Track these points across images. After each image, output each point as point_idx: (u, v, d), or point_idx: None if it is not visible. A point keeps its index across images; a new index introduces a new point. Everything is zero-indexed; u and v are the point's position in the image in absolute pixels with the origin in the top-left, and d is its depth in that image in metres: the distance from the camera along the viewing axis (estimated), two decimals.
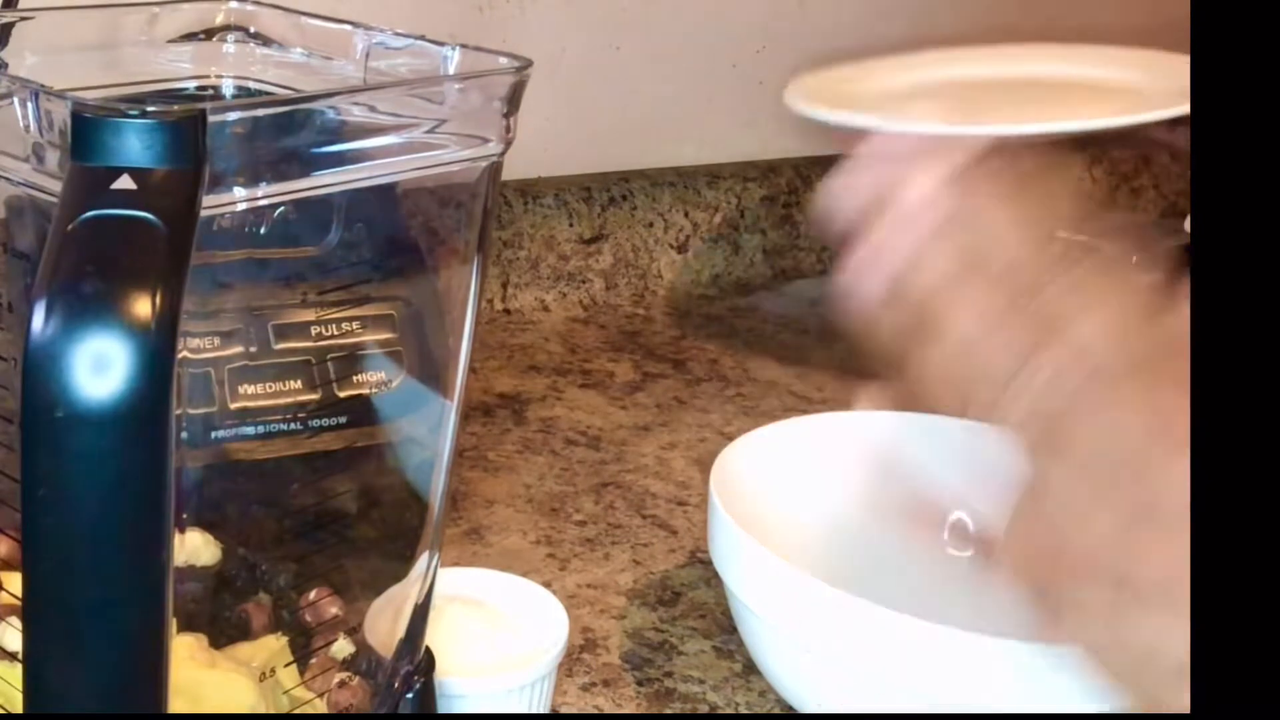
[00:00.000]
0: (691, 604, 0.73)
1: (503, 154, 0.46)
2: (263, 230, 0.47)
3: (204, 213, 0.35)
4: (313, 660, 0.50)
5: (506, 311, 1.12)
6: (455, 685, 0.57)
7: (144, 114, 0.34)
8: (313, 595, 0.52)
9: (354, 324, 0.59)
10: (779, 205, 1.24)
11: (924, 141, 0.54)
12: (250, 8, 0.53)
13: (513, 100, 0.45)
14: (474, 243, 0.49)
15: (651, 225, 1.18)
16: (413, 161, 0.44)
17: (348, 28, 0.50)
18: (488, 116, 0.45)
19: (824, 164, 1.39)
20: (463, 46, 0.47)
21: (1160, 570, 0.41)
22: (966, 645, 0.56)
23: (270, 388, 0.60)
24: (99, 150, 0.34)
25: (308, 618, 0.51)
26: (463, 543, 0.77)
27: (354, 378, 0.58)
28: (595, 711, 0.65)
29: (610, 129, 1.19)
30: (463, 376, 0.51)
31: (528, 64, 0.45)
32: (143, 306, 0.32)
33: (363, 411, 0.55)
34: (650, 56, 1.19)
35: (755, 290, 1.22)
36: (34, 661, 0.34)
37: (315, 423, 0.56)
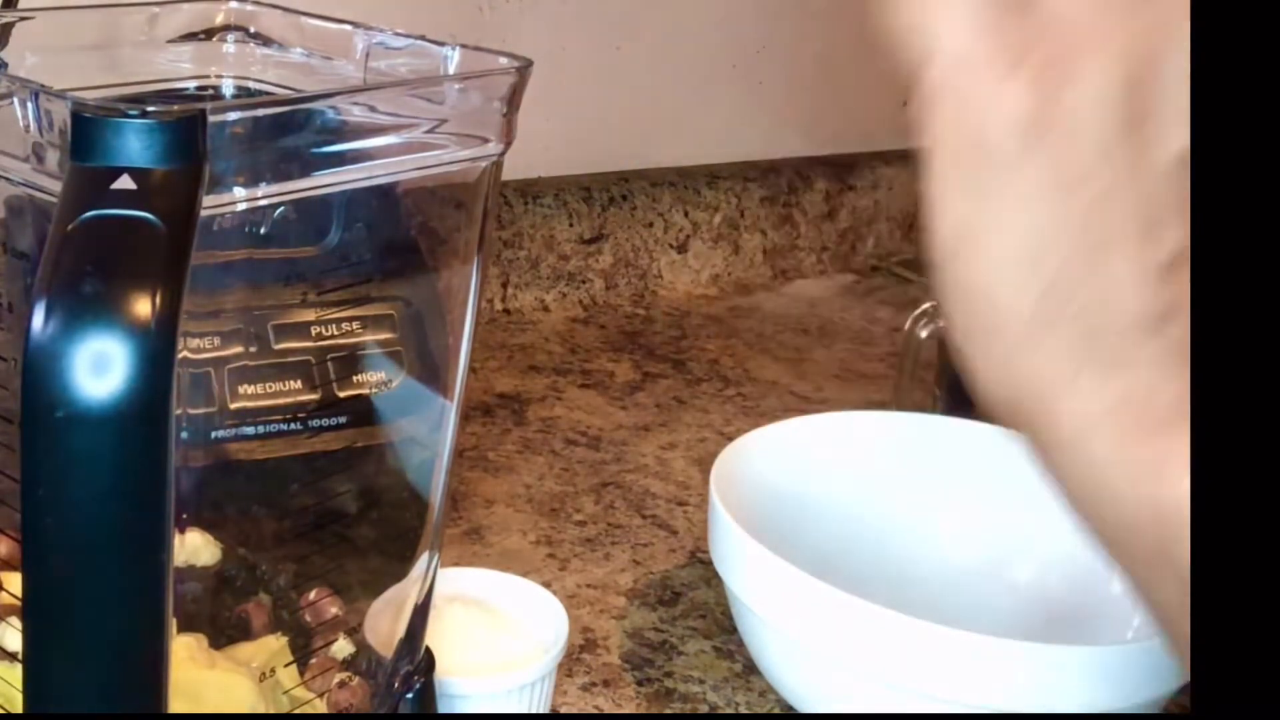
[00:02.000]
0: (691, 604, 0.73)
1: (503, 154, 0.46)
2: (263, 230, 0.47)
3: (204, 213, 0.35)
4: (313, 660, 0.50)
5: (506, 311, 1.12)
6: (455, 685, 0.57)
7: (144, 114, 0.34)
8: (313, 595, 0.52)
9: (354, 324, 0.59)
10: (779, 205, 1.24)
11: None
12: (250, 8, 0.53)
13: (513, 100, 0.45)
14: (474, 243, 0.49)
15: (651, 225, 1.18)
16: (413, 161, 0.44)
17: (348, 28, 0.50)
18: (488, 116, 0.45)
19: (824, 164, 1.39)
20: (463, 46, 0.47)
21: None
22: (966, 645, 0.56)
23: (270, 388, 0.60)
24: (99, 150, 0.34)
25: (308, 618, 0.51)
26: (463, 543, 0.77)
27: (354, 378, 0.58)
28: (595, 711, 0.65)
29: (610, 129, 1.19)
30: (463, 376, 0.51)
31: (528, 64, 0.45)
32: (143, 306, 0.32)
33: (363, 411, 0.55)
34: (650, 56, 1.19)
35: (755, 290, 1.22)
36: (34, 661, 0.34)
37: (315, 423, 0.56)
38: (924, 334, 0.88)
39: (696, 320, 1.14)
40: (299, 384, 0.59)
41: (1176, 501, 0.36)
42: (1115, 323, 0.37)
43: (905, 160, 1.32)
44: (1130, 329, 0.37)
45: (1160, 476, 0.37)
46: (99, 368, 0.32)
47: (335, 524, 0.52)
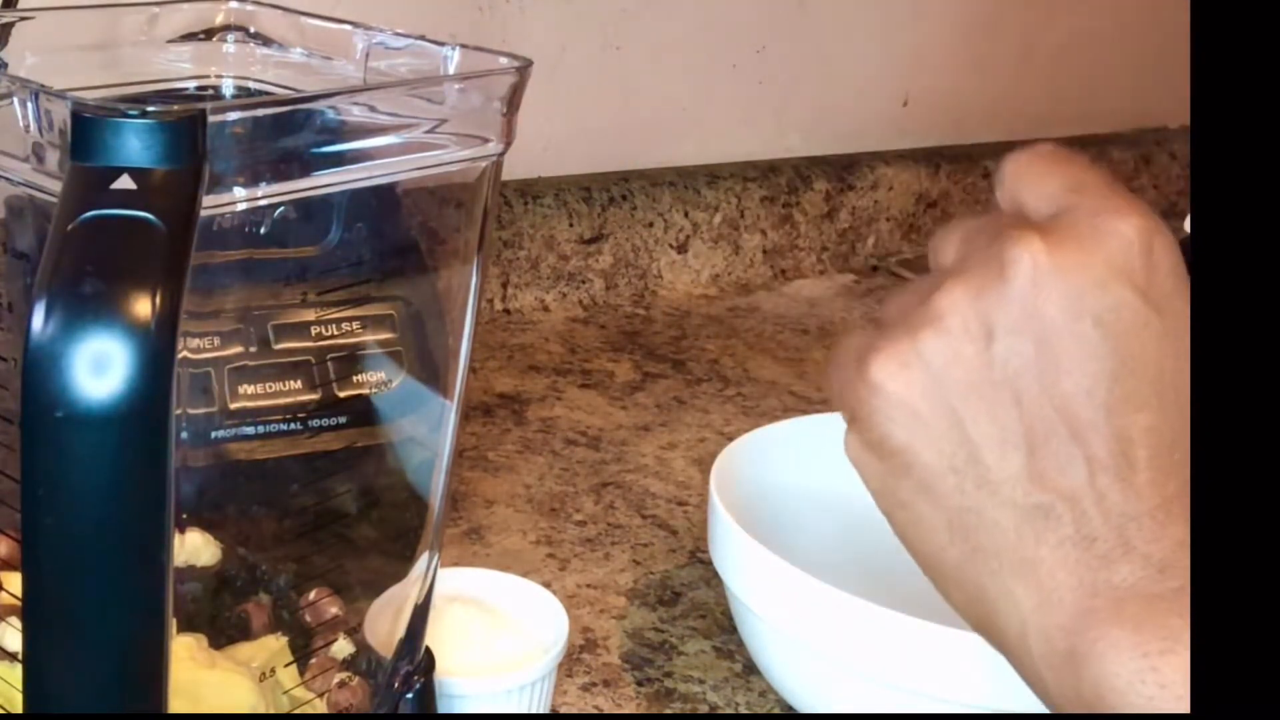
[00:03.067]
0: (691, 604, 0.73)
1: (503, 154, 0.46)
2: (263, 230, 0.47)
3: (204, 213, 0.35)
4: (313, 660, 0.50)
5: (506, 311, 1.12)
6: (455, 685, 0.57)
7: (144, 114, 0.34)
8: (313, 595, 0.52)
9: (354, 324, 0.59)
10: (779, 205, 1.24)
11: None
12: (250, 8, 0.53)
13: (513, 100, 0.45)
14: (474, 243, 0.49)
15: (651, 225, 1.18)
16: (413, 161, 0.44)
17: (348, 28, 0.50)
18: (488, 116, 0.45)
19: (824, 164, 1.38)
20: (463, 46, 0.47)
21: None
22: (967, 645, 0.56)
23: (270, 388, 0.60)
24: (99, 150, 0.34)
25: (308, 618, 0.51)
26: (463, 543, 0.77)
27: (354, 378, 0.58)
28: (595, 711, 0.65)
29: (610, 129, 1.19)
30: (463, 376, 0.51)
31: (528, 64, 0.45)
32: (143, 306, 0.32)
33: (363, 411, 0.55)
34: (650, 56, 1.19)
35: (755, 290, 1.22)
36: (34, 661, 0.34)
37: (315, 423, 0.56)
38: None
39: (696, 320, 1.14)
40: (299, 384, 0.59)
41: (1094, 688, 0.39)
42: (1005, 539, 0.41)
43: (905, 160, 1.32)
44: (1017, 534, 0.41)
45: (1077, 669, 0.39)
46: (99, 368, 0.32)
47: (335, 524, 0.52)
